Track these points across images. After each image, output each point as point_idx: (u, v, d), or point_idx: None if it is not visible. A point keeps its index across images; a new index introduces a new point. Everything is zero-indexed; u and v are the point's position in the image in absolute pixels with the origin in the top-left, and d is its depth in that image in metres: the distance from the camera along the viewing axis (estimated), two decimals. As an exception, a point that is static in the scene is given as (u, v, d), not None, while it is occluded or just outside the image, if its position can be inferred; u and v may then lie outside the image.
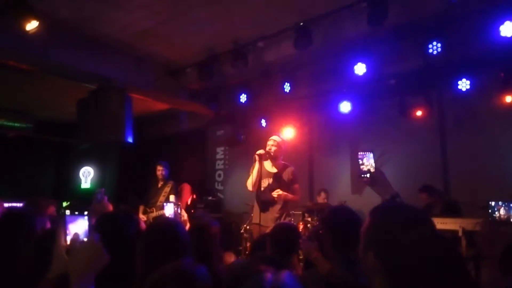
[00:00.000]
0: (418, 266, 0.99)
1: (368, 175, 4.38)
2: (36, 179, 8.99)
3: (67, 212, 1.27)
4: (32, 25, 4.00)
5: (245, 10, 4.51)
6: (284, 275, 0.96)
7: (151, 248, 1.51)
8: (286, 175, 4.07)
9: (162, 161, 5.88)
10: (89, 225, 1.23)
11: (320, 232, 2.14)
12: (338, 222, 2.00)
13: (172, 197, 5.54)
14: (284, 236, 2.43)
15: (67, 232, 1.22)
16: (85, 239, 1.21)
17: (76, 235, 1.20)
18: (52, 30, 4.50)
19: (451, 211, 4.27)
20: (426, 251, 1.00)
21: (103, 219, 1.75)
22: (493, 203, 3.58)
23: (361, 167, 4.35)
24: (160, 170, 5.73)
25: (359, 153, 4.41)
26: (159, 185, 5.75)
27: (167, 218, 3.84)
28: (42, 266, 1.25)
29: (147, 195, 5.79)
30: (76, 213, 1.21)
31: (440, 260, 0.99)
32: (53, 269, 1.22)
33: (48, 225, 2.04)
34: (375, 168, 4.31)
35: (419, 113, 5.39)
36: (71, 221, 1.24)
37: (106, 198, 2.47)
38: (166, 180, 5.74)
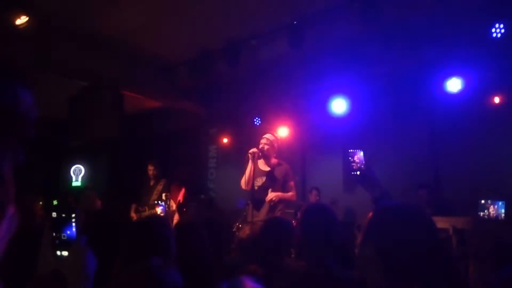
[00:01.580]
0: (411, 261, 1.03)
1: (358, 172, 4.39)
2: (26, 177, 8.88)
3: (54, 214, 1.24)
4: (21, 20, 3.95)
5: (238, 8, 4.50)
6: (242, 280, 0.96)
7: (128, 248, 1.49)
8: (279, 173, 4.04)
9: (153, 159, 5.84)
10: (77, 227, 1.20)
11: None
12: (309, 223, 1.97)
13: (164, 196, 5.51)
14: (273, 235, 2.31)
15: (53, 234, 1.19)
16: (73, 243, 1.18)
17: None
18: (43, 25, 4.44)
19: (443, 209, 4.26)
20: (419, 248, 1.03)
21: (92, 219, 1.73)
22: (482, 201, 3.59)
23: (352, 164, 4.36)
24: (151, 170, 5.70)
25: (349, 150, 4.40)
26: (151, 184, 5.71)
27: (151, 218, 3.80)
28: (24, 265, 1.22)
29: (139, 194, 5.74)
30: (63, 215, 1.17)
31: (431, 256, 1.03)
32: (39, 271, 1.20)
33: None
34: (366, 166, 4.32)
35: (410, 112, 5.41)
36: (58, 223, 1.21)
37: (95, 194, 2.45)
38: (158, 178, 5.71)
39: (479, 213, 3.50)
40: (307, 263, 1.74)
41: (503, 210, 3.41)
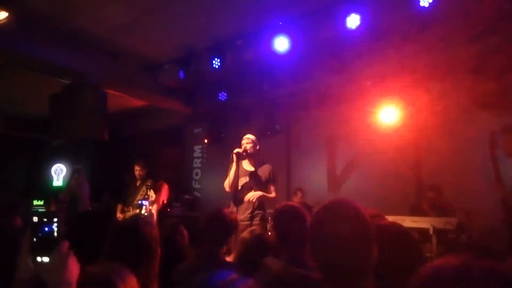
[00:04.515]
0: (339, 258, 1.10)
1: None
2: (7, 176, 8.67)
3: (35, 218, 1.21)
4: (0, 16, 3.85)
5: (224, 7, 4.49)
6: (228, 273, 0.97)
7: (112, 250, 1.48)
8: (263, 173, 4.05)
9: (140, 160, 5.81)
10: (58, 232, 1.18)
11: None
12: (283, 222, 2.02)
13: (153, 196, 5.50)
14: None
15: (34, 239, 1.17)
16: (54, 248, 1.16)
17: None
18: (22, 21, 4.34)
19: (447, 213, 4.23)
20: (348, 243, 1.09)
21: (76, 222, 1.70)
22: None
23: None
24: (138, 170, 5.68)
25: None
26: (137, 184, 5.69)
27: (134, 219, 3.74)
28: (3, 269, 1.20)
29: (125, 194, 5.70)
30: (45, 220, 1.14)
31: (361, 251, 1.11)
32: (19, 277, 1.17)
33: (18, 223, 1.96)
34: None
35: (392, 113, 5.48)
36: (38, 228, 1.18)
37: (83, 176, 2.40)
38: (144, 179, 5.69)
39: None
40: (286, 263, 1.76)
41: None
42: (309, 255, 1.84)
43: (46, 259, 1.15)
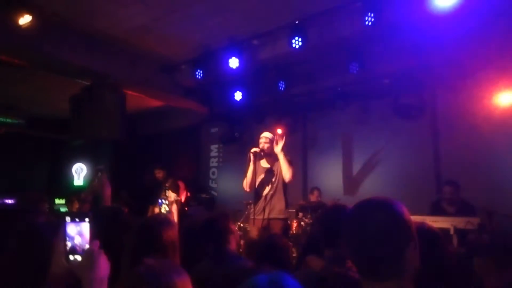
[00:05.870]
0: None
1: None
2: (28, 176, 8.92)
3: (68, 219, 1.25)
4: (25, 19, 3.96)
5: (240, 7, 4.51)
6: (280, 273, 0.96)
7: (134, 247, 1.51)
8: (278, 168, 4.05)
9: (158, 164, 6.01)
10: (90, 232, 1.22)
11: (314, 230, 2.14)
12: (331, 221, 1.99)
13: (172, 195, 5.64)
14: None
15: (67, 238, 1.20)
16: (87, 247, 1.20)
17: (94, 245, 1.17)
18: (46, 24, 4.46)
19: (466, 210, 4.16)
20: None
21: (103, 222, 1.74)
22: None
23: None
24: (158, 173, 5.88)
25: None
26: (160, 185, 5.88)
27: (153, 217, 3.80)
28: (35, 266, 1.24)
29: (154, 196, 5.89)
30: (77, 220, 1.18)
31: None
32: (51, 275, 1.21)
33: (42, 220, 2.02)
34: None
35: (412, 113, 5.40)
36: (71, 228, 1.22)
37: (105, 175, 2.45)
38: (164, 179, 5.87)
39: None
40: (328, 263, 1.75)
41: None
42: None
43: (78, 258, 1.18)
